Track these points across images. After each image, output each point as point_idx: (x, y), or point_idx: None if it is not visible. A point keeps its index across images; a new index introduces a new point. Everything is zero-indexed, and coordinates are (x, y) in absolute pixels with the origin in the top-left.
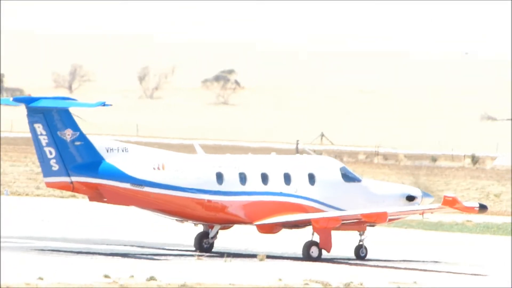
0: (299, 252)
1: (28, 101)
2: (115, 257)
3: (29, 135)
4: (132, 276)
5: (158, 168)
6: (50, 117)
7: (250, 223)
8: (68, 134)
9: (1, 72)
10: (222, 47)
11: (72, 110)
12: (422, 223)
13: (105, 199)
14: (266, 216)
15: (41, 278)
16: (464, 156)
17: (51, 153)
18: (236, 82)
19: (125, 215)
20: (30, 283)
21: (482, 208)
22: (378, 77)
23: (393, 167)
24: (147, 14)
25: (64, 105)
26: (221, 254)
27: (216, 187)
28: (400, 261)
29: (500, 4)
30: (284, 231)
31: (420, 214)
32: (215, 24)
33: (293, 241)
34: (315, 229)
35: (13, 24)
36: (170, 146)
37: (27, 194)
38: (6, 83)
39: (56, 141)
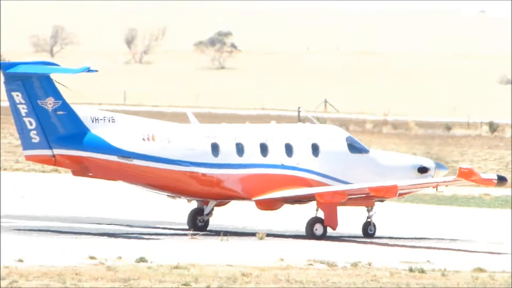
0: (302, 230)
1: (5, 67)
2: (102, 237)
3: (7, 104)
4: (120, 257)
5: (148, 139)
6: (30, 84)
7: (249, 198)
8: (49, 103)
9: None
10: (217, 7)
11: (53, 76)
12: (435, 197)
13: (90, 174)
14: (265, 190)
15: (21, 260)
16: (481, 123)
17: (31, 124)
18: (233, 45)
19: (112, 191)
20: (9, 266)
21: (501, 180)
22: (386, 38)
23: (403, 137)
24: None
25: (45, 71)
26: (217, 233)
27: (211, 159)
28: (412, 238)
29: None
30: (285, 207)
31: (433, 187)
32: None
33: (296, 217)
34: (319, 205)
35: None
36: (160, 115)
37: (5, 169)
38: None
39: (37, 111)
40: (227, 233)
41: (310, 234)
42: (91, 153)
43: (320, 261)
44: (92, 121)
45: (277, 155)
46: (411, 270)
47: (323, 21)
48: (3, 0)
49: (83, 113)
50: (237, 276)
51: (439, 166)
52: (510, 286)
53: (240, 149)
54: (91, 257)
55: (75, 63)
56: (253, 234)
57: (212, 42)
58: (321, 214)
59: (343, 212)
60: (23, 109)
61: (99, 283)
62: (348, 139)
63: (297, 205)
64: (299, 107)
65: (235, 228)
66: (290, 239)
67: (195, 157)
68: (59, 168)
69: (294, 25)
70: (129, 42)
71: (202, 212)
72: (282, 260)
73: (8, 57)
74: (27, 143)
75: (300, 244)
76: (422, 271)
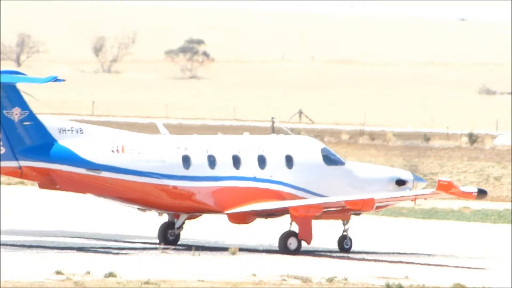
0: (275, 244)
1: None
2: (69, 251)
3: None
4: (89, 273)
5: (117, 151)
6: None
7: (221, 211)
8: (15, 113)
9: None
10: (188, 14)
11: (20, 86)
12: (413, 211)
13: (58, 186)
14: (238, 204)
15: None
16: (461, 134)
17: None
18: (205, 54)
19: (80, 204)
20: None
21: (481, 193)
22: (363, 47)
23: (381, 148)
24: None
25: (11, 81)
26: (188, 247)
27: (182, 171)
28: (389, 253)
29: None
30: (258, 220)
31: (411, 200)
32: None
33: (269, 231)
34: (293, 218)
35: None
36: (130, 126)
37: None
38: None
39: (2, 121)
40: (198, 248)
41: (283, 249)
42: (58, 165)
43: (294, 277)
44: (60, 132)
45: (250, 167)
46: (388, 286)
47: (298, 29)
48: None
49: (50, 123)
50: None
51: (417, 178)
52: None
53: (212, 161)
54: (58, 272)
55: (42, 72)
56: (225, 249)
57: (183, 50)
58: (295, 228)
59: (318, 225)
60: None
61: None
62: (323, 150)
63: (270, 219)
64: (272, 118)
65: (207, 242)
66: (263, 254)
67: (165, 169)
68: (25, 180)
69: (268, 33)
70: (97, 50)
71: (173, 225)
72: (254, 275)
73: None
74: None
75: (274, 259)
76: (400, 287)
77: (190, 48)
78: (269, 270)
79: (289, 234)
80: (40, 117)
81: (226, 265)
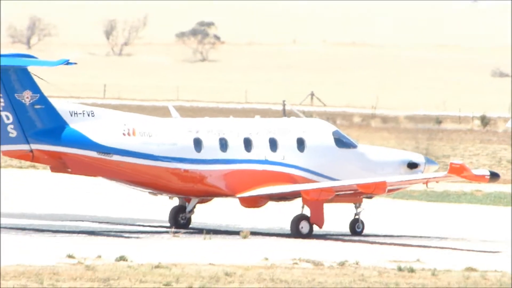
0: (287, 228)
1: None
2: (81, 235)
3: None
4: (100, 256)
5: (128, 134)
6: (7, 77)
7: (232, 195)
8: (27, 97)
9: None
10: None
11: (31, 69)
12: (425, 194)
13: (69, 169)
14: (250, 187)
15: None
16: (473, 117)
17: (8, 118)
18: (216, 37)
19: (91, 187)
20: None
21: (494, 176)
22: (374, 29)
23: (393, 131)
24: None
25: (22, 64)
26: (199, 231)
27: (194, 155)
28: (401, 236)
29: None
30: (270, 204)
31: (423, 183)
32: None
33: (281, 215)
34: (305, 202)
35: None
36: (141, 109)
37: None
38: None
39: (14, 105)
40: (210, 231)
41: (295, 232)
42: (69, 148)
43: (306, 260)
44: (71, 115)
45: (261, 150)
46: (400, 269)
47: (309, 12)
48: None
49: (62, 107)
50: (220, 275)
51: (429, 161)
52: (503, 286)
53: (223, 144)
54: (70, 256)
55: (53, 55)
56: (236, 233)
57: (194, 33)
58: (307, 212)
59: (330, 209)
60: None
61: (78, 283)
62: (335, 133)
63: (282, 202)
64: (284, 101)
65: (218, 226)
66: (275, 238)
67: (177, 152)
68: (36, 164)
69: (279, 16)
70: (108, 33)
71: (184, 209)
72: (266, 259)
73: None
74: (3, 138)
75: (285, 243)
76: (411, 270)
77: (201, 31)
78: (281, 254)
79: (301, 217)
80: (51, 101)
81: (237, 248)
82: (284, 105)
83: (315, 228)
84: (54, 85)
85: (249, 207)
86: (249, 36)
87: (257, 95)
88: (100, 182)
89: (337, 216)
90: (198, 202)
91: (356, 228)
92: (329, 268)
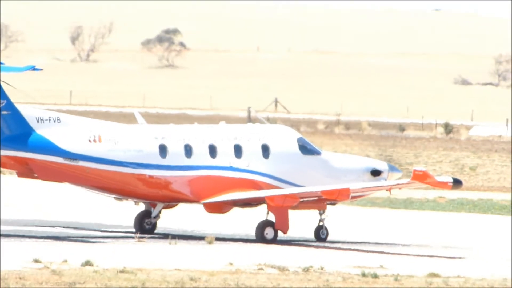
0: (252, 234)
1: None
2: (47, 240)
3: None
4: (66, 261)
5: (94, 140)
6: None
7: (197, 201)
8: None
9: None
10: (165, 3)
11: None
12: (389, 201)
13: (36, 175)
14: (214, 193)
15: None
16: (436, 124)
17: None
18: (181, 44)
19: (57, 193)
20: None
21: (456, 183)
22: (338, 37)
23: (356, 138)
24: None
25: None
26: (164, 236)
27: (159, 160)
28: (365, 243)
29: None
30: (235, 210)
31: (387, 190)
32: None
33: (245, 221)
34: (269, 208)
35: None
36: (107, 115)
37: None
38: None
39: None
40: (175, 237)
41: (260, 238)
42: (36, 154)
43: (271, 266)
44: (37, 121)
45: (226, 156)
46: (364, 275)
47: (274, 19)
48: None
49: (28, 113)
50: (185, 280)
51: (392, 168)
52: None
53: (188, 151)
54: (36, 261)
55: (20, 62)
56: (201, 238)
57: (159, 40)
58: (271, 218)
59: (294, 215)
60: None
61: (44, 287)
62: (299, 140)
63: (247, 208)
64: (249, 107)
65: (183, 232)
66: (240, 243)
67: (142, 158)
68: (3, 169)
69: (244, 23)
70: (74, 39)
71: (150, 214)
72: (231, 264)
73: None
74: None
75: (250, 248)
76: (375, 276)
77: (167, 38)
78: (246, 259)
79: (265, 223)
80: (18, 107)
81: (202, 254)
82: (249, 111)
83: (280, 234)
84: (20, 91)
85: (214, 212)
86: (214, 43)
87: (222, 101)
88: (66, 188)
89: (301, 223)
90: (163, 208)
91: (320, 234)
92: (294, 274)
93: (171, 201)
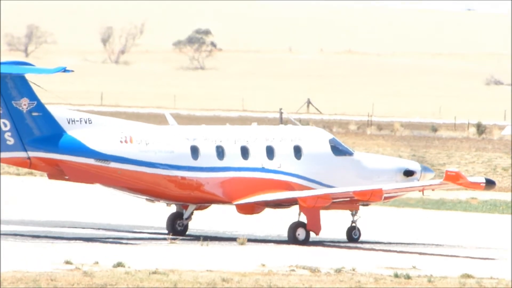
0: (284, 235)
1: None
2: (78, 242)
3: None
4: (97, 262)
5: (126, 141)
6: (4, 84)
7: (229, 202)
8: (24, 104)
9: None
10: (196, 4)
11: (28, 76)
12: (421, 201)
13: (67, 177)
14: (246, 194)
15: None
16: (468, 125)
17: (5, 126)
18: (212, 44)
19: (89, 195)
20: None
21: (489, 183)
22: (371, 38)
23: (389, 138)
24: None
25: (20, 71)
26: (196, 237)
27: (191, 162)
28: (397, 243)
29: None
30: (267, 211)
31: (419, 191)
32: None
33: (277, 222)
34: (301, 209)
35: None
36: (138, 116)
37: None
38: None
39: (11, 112)
40: (207, 238)
41: (292, 239)
42: (67, 155)
43: (303, 267)
44: (68, 123)
45: (258, 158)
46: (396, 276)
47: (306, 20)
48: None
49: (59, 114)
50: (217, 281)
51: (425, 169)
52: None
53: (220, 152)
54: (67, 262)
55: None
56: (233, 239)
57: (190, 41)
58: (303, 219)
59: (326, 216)
60: None
61: None
62: (331, 141)
63: (279, 209)
64: (281, 109)
65: (215, 233)
66: (272, 244)
67: (174, 160)
68: (34, 171)
69: (276, 24)
70: (105, 40)
71: (182, 216)
72: (263, 265)
73: None
74: (1, 145)
75: (282, 249)
76: (408, 277)
77: (198, 39)
78: (278, 261)
79: (297, 224)
80: (49, 108)
81: (234, 255)
82: (281, 113)
83: (312, 235)
84: (51, 92)
85: (246, 214)
86: (245, 43)
87: (254, 102)
88: (97, 189)
89: (334, 223)
90: (196, 209)
91: (352, 235)
92: (326, 275)
93: (203, 202)
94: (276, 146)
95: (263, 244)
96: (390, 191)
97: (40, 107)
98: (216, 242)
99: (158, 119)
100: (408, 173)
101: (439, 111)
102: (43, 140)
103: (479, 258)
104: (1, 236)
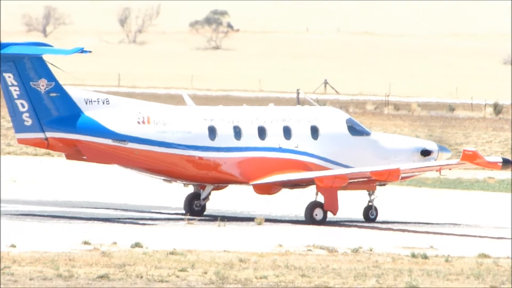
0: (301, 215)
1: None
2: (96, 222)
3: None
4: (115, 243)
5: (143, 122)
6: (22, 65)
7: (246, 182)
8: (42, 85)
9: None
10: None
11: (46, 57)
12: (439, 181)
13: (84, 157)
14: (264, 174)
15: (13, 246)
16: (485, 105)
17: (23, 106)
18: (229, 25)
19: (106, 175)
20: (1, 251)
21: (506, 163)
22: (386, 19)
23: (406, 118)
24: None
25: (38, 52)
26: (214, 218)
27: (208, 142)
28: (415, 223)
29: None
30: (284, 191)
31: (436, 170)
32: None
33: (295, 202)
34: (319, 189)
35: None
36: (156, 97)
37: None
38: None
39: (29, 93)
40: (224, 218)
41: (309, 219)
42: (84, 136)
43: (320, 247)
44: (86, 103)
45: (275, 138)
46: (413, 255)
47: (323, 1)
48: None
49: (76, 94)
50: (234, 262)
51: (442, 148)
52: None
53: (237, 132)
54: (85, 243)
55: (68, 44)
56: (251, 219)
57: (208, 21)
58: (321, 199)
59: (343, 196)
60: (15, 91)
61: (94, 268)
62: (348, 121)
63: (296, 190)
64: (298, 89)
65: (232, 213)
66: (289, 224)
67: (191, 140)
68: (51, 151)
69: (292, 4)
70: (123, 21)
71: (199, 196)
72: (280, 245)
73: (0, 37)
74: (19, 126)
75: (299, 230)
76: (425, 256)
77: (215, 19)
78: (295, 241)
79: (315, 204)
80: (67, 88)
81: (251, 235)
82: (298, 93)
83: (329, 215)
84: (69, 73)
85: (263, 194)
86: (262, 24)
87: (271, 83)
88: (115, 170)
89: (351, 203)
90: (213, 189)
91: (369, 215)
92: (343, 255)
93: (221, 182)
94: (293, 126)
95: (280, 224)
96: (407, 171)
97: (58, 87)
98: (234, 223)
99: (176, 99)
100: (425, 153)
101: (456, 91)
102: (61, 120)
103: (496, 238)
104: (19, 216)
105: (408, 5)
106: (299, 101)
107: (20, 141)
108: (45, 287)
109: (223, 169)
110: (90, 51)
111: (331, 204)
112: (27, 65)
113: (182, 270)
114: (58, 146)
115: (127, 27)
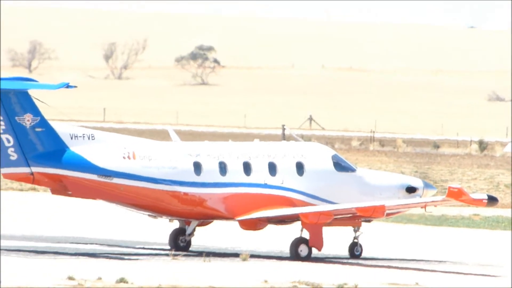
0: (286, 251)
1: None
2: (81, 257)
3: None
4: (100, 278)
5: (128, 157)
6: (7, 100)
7: (232, 218)
8: (27, 120)
9: None
10: (199, 20)
11: (31, 92)
12: (424, 218)
13: (70, 192)
14: (249, 210)
15: None
16: (471, 141)
17: (8, 141)
18: (215, 61)
19: (91, 210)
20: None
21: (492, 200)
22: (372, 55)
23: (391, 155)
24: None
25: (23, 87)
26: (199, 253)
27: (193, 178)
28: (400, 260)
29: None
30: (269, 227)
31: (422, 207)
32: None
33: (280, 238)
34: (304, 225)
35: None
36: (141, 132)
37: None
38: None
39: (14, 128)
40: (209, 254)
41: (294, 255)
42: (70, 171)
43: (305, 283)
44: (71, 138)
45: (260, 174)
46: None
47: (308, 37)
48: None
49: (62, 130)
50: None
51: (427, 185)
52: None
53: (222, 168)
54: (70, 278)
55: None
56: (236, 255)
57: (193, 57)
58: (306, 235)
59: (328, 232)
60: (0, 125)
61: None
62: (334, 157)
63: (281, 226)
64: (283, 125)
65: (218, 249)
66: (274, 260)
67: (176, 175)
68: (37, 186)
69: (278, 40)
70: (108, 57)
71: (184, 232)
72: (266, 281)
73: None
74: (4, 161)
75: (285, 265)
76: None
77: (201, 55)
78: (281, 277)
79: (300, 240)
80: (52, 124)
81: (237, 271)
82: (283, 129)
83: (314, 251)
84: (54, 108)
85: (248, 230)
86: (248, 60)
87: (256, 119)
88: (100, 205)
89: (336, 240)
90: (198, 225)
91: (354, 251)
92: None
93: (206, 218)
94: (278, 162)
95: (265, 260)
96: (393, 208)
97: (44, 122)
98: (219, 258)
99: (161, 135)
100: (411, 190)
101: (441, 127)
102: (46, 155)
103: (481, 275)
104: (4, 252)
105: (393, 41)
106: (284, 137)
107: (6, 176)
108: None
109: (209, 204)
110: (76, 86)
111: (316, 240)
112: (13, 99)
113: None
114: (43, 181)
115: (112, 63)
